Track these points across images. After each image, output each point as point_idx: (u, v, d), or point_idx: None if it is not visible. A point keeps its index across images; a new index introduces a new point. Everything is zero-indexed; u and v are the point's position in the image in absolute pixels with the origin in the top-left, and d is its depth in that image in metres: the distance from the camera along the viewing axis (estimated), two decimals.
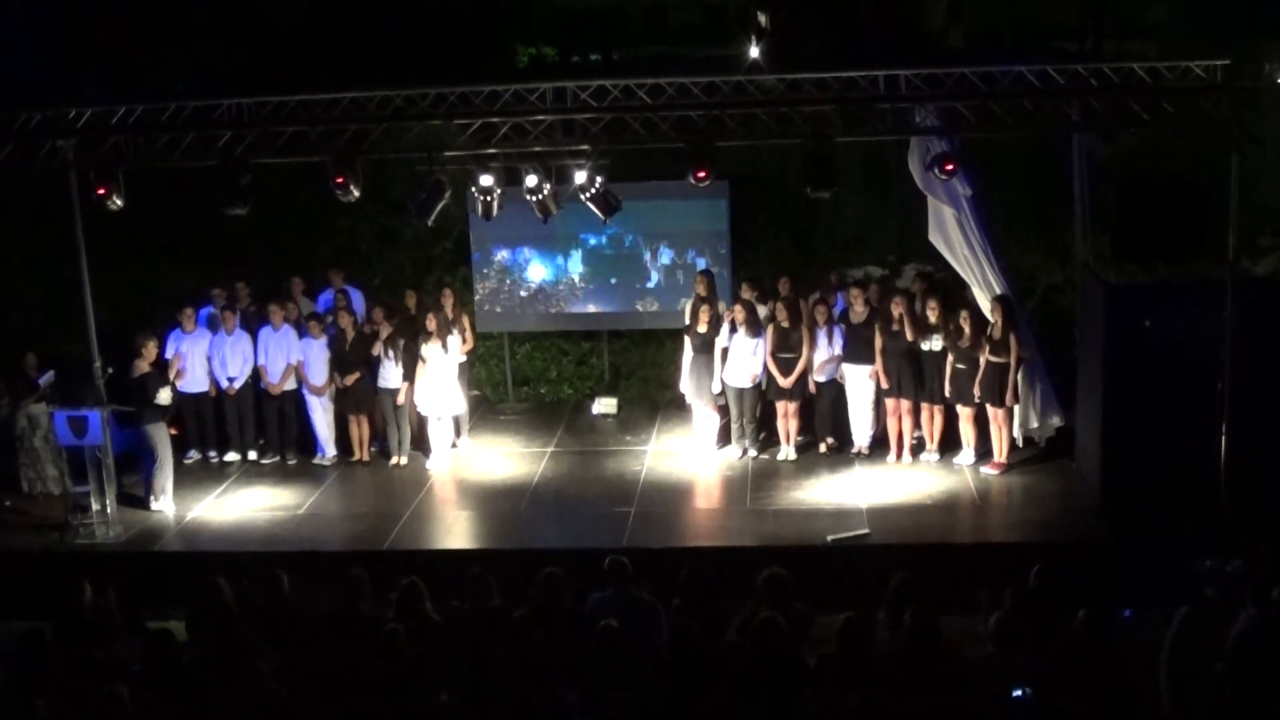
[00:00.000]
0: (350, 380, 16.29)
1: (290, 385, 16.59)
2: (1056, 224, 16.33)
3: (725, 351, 15.98)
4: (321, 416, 16.62)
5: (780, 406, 16.04)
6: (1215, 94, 13.18)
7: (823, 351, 15.75)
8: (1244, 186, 13.29)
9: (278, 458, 16.79)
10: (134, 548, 14.47)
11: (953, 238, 15.34)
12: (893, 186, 16.90)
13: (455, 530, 14.76)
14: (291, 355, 16.47)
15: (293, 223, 18.28)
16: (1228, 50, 13.35)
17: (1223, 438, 13.46)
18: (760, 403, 16.23)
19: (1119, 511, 13.79)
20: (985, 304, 15.19)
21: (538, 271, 18.48)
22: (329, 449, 16.70)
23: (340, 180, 13.87)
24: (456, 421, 16.81)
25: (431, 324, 16.00)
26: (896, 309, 15.41)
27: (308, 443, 16.83)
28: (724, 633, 10.13)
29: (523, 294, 18.54)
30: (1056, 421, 15.58)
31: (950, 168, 14.04)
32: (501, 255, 18.40)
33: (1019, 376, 15.06)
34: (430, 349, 15.99)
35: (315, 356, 16.43)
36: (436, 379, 16.07)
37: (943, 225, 15.46)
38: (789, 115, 13.79)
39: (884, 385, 15.54)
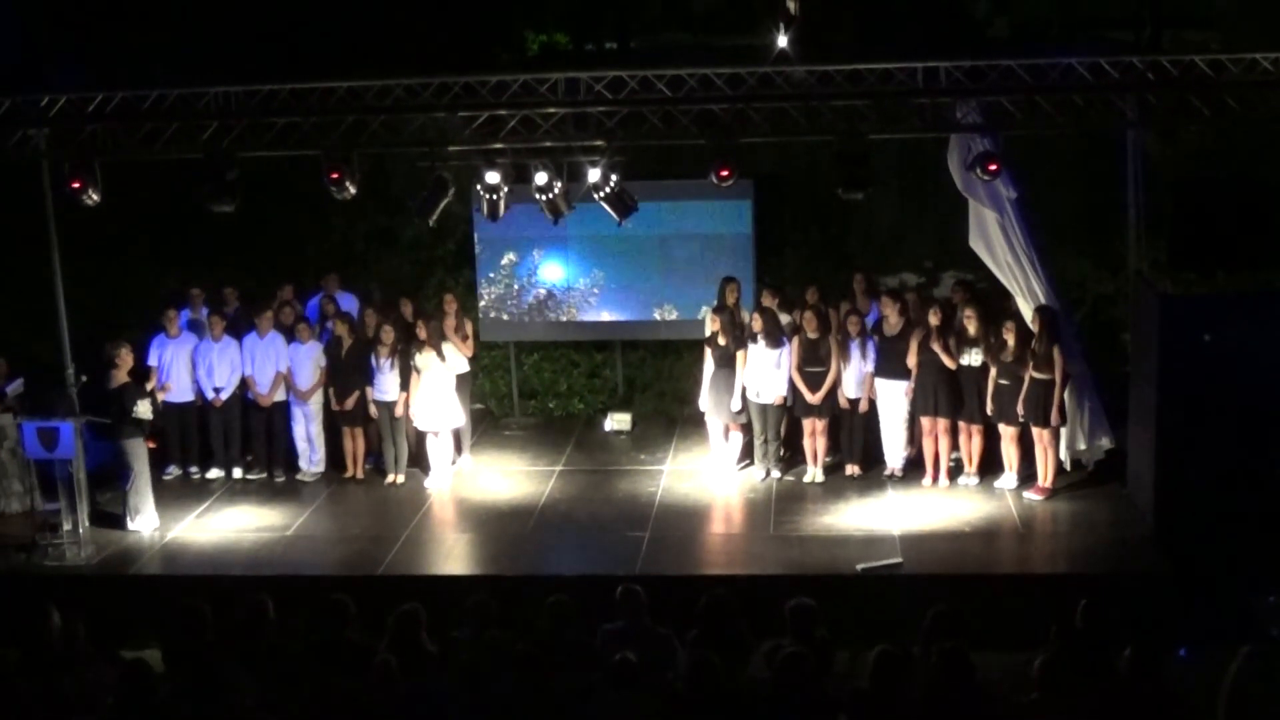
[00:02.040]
0: (350, 403, 16.32)
1: (280, 397, 16.62)
2: (1108, 230, 16.23)
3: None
4: (302, 426, 16.64)
5: (807, 424, 16.01)
6: None
7: (854, 365, 15.71)
8: None
9: (265, 474, 16.79)
10: (107, 570, 14.44)
11: (995, 244, 15.30)
12: (931, 188, 16.84)
13: (455, 554, 14.73)
14: (280, 363, 16.51)
15: (283, 221, 18.28)
16: None
17: None
18: (786, 420, 16.20)
19: (1174, 542, 13.70)
20: (1029, 315, 15.14)
21: (547, 276, 18.50)
22: (308, 462, 16.72)
23: (335, 176, 13.89)
24: (457, 437, 16.79)
25: (422, 332, 15.99)
26: (934, 318, 15.36)
27: (297, 459, 16.87)
28: (744, 667, 10.07)
29: (531, 300, 18.56)
30: (1106, 443, 15.47)
31: (994, 168, 14.01)
32: (508, 258, 18.40)
33: (1065, 394, 14.98)
34: (425, 359, 15.99)
35: (302, 361, 16.48)
36: (433, 391, 16.06)
37: (984, 230, 15.41)
38: (819, 110, 13.82)
39: (918, 403, 15.52)
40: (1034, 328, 14.94)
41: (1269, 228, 13.34)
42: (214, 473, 16.81)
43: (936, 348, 15.20)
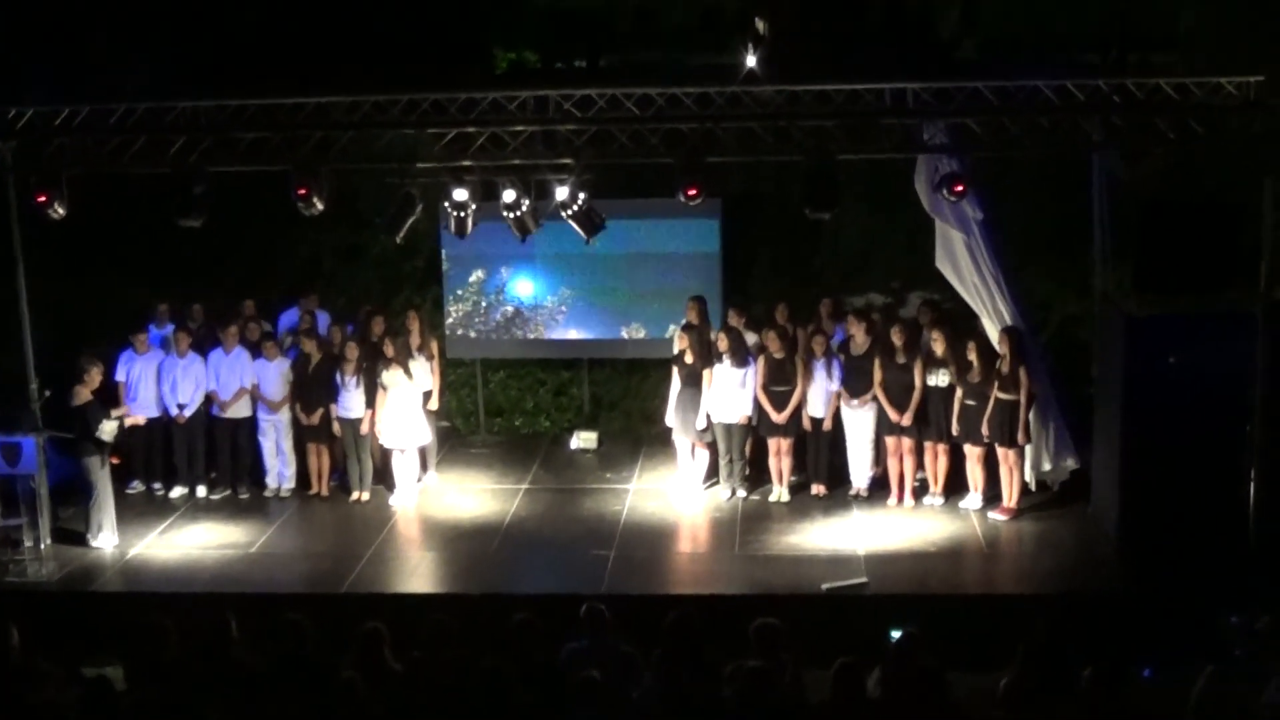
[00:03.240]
0: (315, 419, 16.29)
1: (244, 412, 16.56)
2: (1074, 251, 16.28)
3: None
4: (272, 440, 16.59)
5: (773, 444, 16.04)
6: (1248, 112, 13.24)
7: (819, 385, 15.74)
8: (1277, 211, 13.30)
9: (229, 492, 16.72)
10: (69, 587, 14.37)
11: (962, 264, 15.40)
12: (899, 208, 16.90)
13: (420, 572, 14.69)
14: (245, 379, 16.47)
15: (251, 237, 18.20)
16: (1262, 64, 13.32)
17: (1252, 484, 13.51)
18: (751, 439, 16.22)
19: (1139, 562, 13.76)
20: (995, 335, 15.23)
21: (515, 294, 18.49)
22: (277, 479, 16.67)
23: (303, 192, 13.88)
24: (423, 454, 16.77)
25: (389, 349, 15.96)
26: (897, 339, 15.43)
27: (262, 476, 16.81)
28: (709, 686, 10.07)
29: (498, 318, 18.57)
30: (1071, 464, 15.58)
31: (960, 189, 14.07)
32: (476, 276, 18.41)
33: (1030, 415, 15.06)
34: (391, 376, 15.97)
35: (270, 379, 16.46)
36: (399, 408, 16.04)
37: (951, 251, 15.52)
38: (788, 130, 13.86)
39: (891, 416, 15.54)
40: (1001, 348, 15.02)
41: (1233, 249, 13.33)
42: (177, 490, 16.74)
43: (901, 352, 15.32)
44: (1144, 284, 14.17)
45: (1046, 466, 15.57)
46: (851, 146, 13.76)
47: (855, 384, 15.66)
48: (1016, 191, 16.63)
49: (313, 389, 16.33)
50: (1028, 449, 15.32)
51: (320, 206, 14.06)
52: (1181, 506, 13.65)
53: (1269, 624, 10.74)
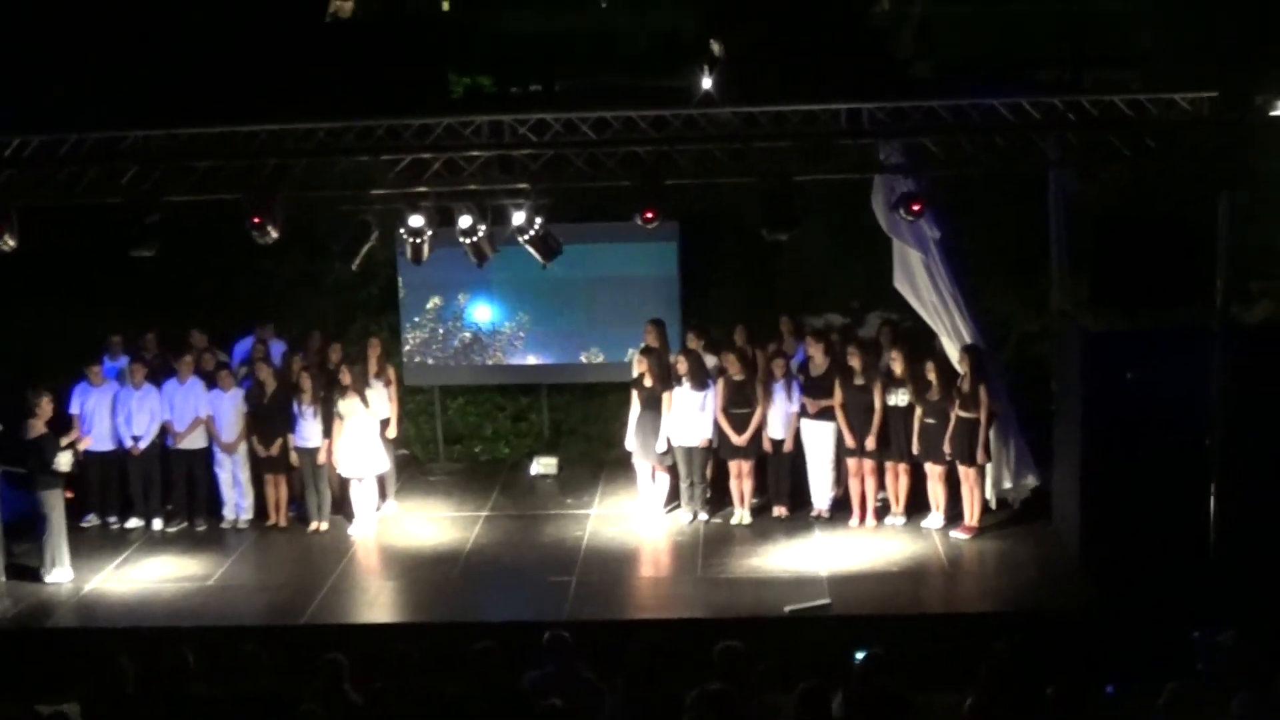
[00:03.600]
0: (274, 449, 16.21)
1: (199, 443, 16.46)
2: (1033, 268, 16.37)
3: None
4: (229, 472, 16.50)
5: (733, 466, 16.03)
6: (1202, 127, 13.37)
7: (779, 406, 15.76)
8: (1235, 227, 13.40)
9: (185, 524, 16.58)
10: (24, 624, 14.25)
11: (920, 283, 15.44)
12: (857, 229, 16.95)
13: (380, 602, 14.61)
14: (200, 409, 16.38)
15: (206, 266, 18.15)
16: (1217, 81, 13.45)
17: (1212, 498, 13.55)
18: (712, 462, 16.20)
19: (1100, 578, 13.83)
20: (955, 354, 15.26)
21: (472, 319, 18.43)
22: (234, 510, 16.56)
23: (257, 220, 13.79)
24: (381, 483, 16.71)
25: (346, 377, 15.91)
26: (854, 360, 15.46)
27: (219, 508, 16.70)
28: (673, 711, 10.02)
29: (456, 344, 18.51)
30: (1032, 481, 15.66)
31: (917, 208, 14.04)
32: (433, 302, 18.35)
33: (991, 433, 15.13)
34: (348, 404, 15.91)
35: (225, 410, 16.35)
36: (357, 437, 16.00)
37: (909, 270, 15.55)
38: (744, 151, 13.81)
39: (849, 442, 15.55)
40: (961, 367, 15.07)
41: (1190, 265, 13.45)
42: (133, 522, 16.61)
43: (859, 372, 15.34)
44: (1101, 300, 14.18)
45: (1007, 484, 15.63)
46: (808, 167, 13.73)
47: (815, 400, 15.71)
48: (974, 209, 16.65)
49: (270, 419, 16.22)
50: (988, 467, 15.38)
51: (275, 235, 13.95)
52: (1142, 522, 13.68)
53: (1232, 638, 10.74)
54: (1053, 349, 15.77)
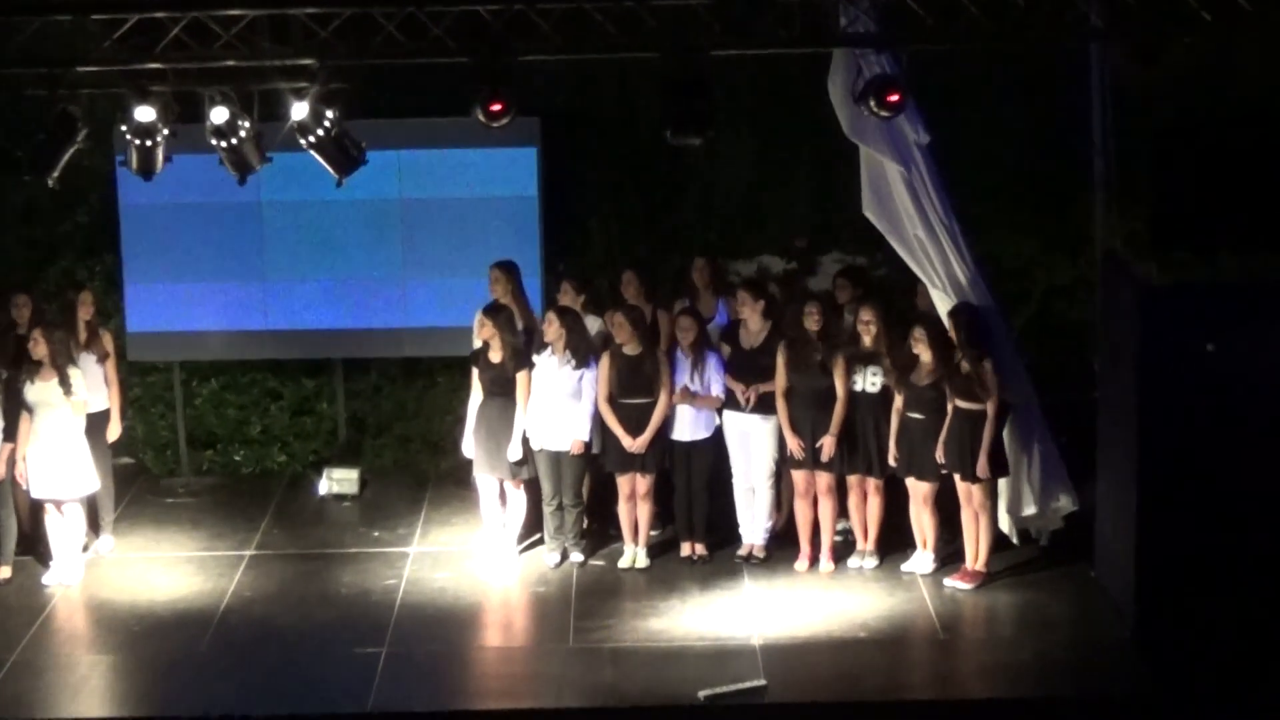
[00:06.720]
0: None
1: None
2: (1064, 193, 14.61)
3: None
4: None
5: (623, 482, 13.56)
6: None
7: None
8: None
9: None
10: None
11: (899, 210, 13.23)
12: (804, 133, 14.90)
13: (90, 688, 12.10)
14: None
15: None
16: None
17: None
18: (591, 476, 13.90)
19: (1161, 648, 11.76)
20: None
21: (227, 262, 15.85)
22: None
23: None
24: (92, 508, 14.14)
25: (39, 348, 13.38)
26: (807, 323, 13.09)
27: None
28: None
29: (204, 300, 15.84)
30: (1066, 505, 13.38)
31: (895, 99, 11.96)
32: (168, 235, 15.83)
33: (1005, 434, 12.92)
34: (42, 390, 13.24)
35: None
36: (54, 441, 13.44)
37: (883, 191, 13.30)
38: (637, 14, 11.76)
39: (793, 448, 13.17)
40: (954, 336, 12.89)
41: None
42: None
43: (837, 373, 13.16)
44: (1164, 238, 13.06)
45: (1030, 510, 13.30)
46: (732, 39, 11.87)
47: (745, 385, 13.47)
48: (979, 107, 14.86)
49: None
50: (1001, 484, 13.13)
51: None
52: (1226, 566, 11.60)
53: None
54: (1094, 311, 13.80)
